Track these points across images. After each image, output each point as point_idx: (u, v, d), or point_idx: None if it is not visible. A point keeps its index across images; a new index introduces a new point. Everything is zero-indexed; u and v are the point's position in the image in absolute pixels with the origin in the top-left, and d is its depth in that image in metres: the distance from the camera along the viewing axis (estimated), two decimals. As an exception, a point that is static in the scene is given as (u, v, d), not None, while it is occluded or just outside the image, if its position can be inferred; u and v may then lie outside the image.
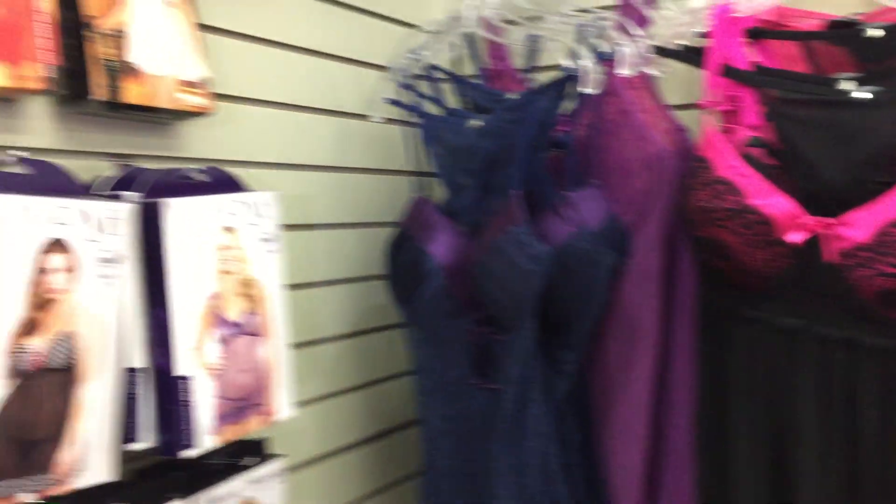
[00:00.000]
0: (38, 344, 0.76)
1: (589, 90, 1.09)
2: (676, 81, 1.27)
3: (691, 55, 1.13)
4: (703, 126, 1.11)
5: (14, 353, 0.75)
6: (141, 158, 1.04)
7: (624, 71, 1.11)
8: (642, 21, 1.19)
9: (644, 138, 1.16)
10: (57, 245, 0.77)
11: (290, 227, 1.22)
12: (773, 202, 0.93)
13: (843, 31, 1.05)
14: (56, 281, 0.77)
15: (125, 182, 0.94)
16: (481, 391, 1.17)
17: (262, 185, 1.09)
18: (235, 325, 0.97)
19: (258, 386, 1.00)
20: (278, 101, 1.27)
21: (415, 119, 1.32)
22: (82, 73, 0.92)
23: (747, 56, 1.06)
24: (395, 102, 1.33)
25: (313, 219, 1.33)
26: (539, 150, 1.16)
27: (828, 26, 1.11)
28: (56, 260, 0.77)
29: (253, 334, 0.99)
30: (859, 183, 0.90)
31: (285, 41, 1.28)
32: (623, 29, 1.16)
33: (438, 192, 1.34)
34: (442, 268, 1.21)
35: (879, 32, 1.00)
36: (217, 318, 0.95)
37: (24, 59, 0.85)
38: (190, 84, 1.03)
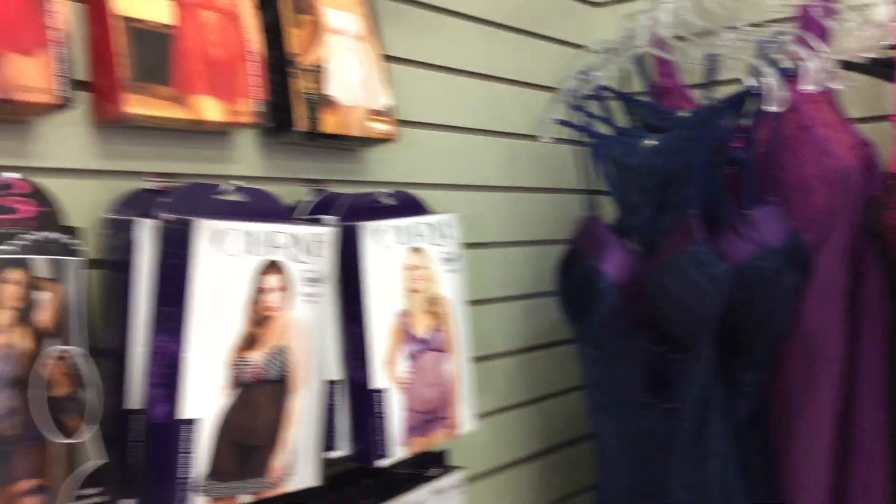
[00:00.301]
0: (256, 357, 0.83)
1: (774, 108, 1.07)
2: (859, 94, 1.22)
3: (880, 68, 1.09)
4: (894, 141, 1.07)
5: (236, 365, 0.82)
6: (333, 183, 1.11)
7: (807, 86, 1.09)
8: (823, 34, 1.16)
9: (825, 153, 1.13)
10: (273, 266, 0.84)
11: (464, 245, 1.26)
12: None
13: None
14: (272, 299, 0.84)
15: (322, 206, 1.01)
16: (657, 410, 1.17)
17: (437, 206, 1.13)
18: (423, 341, 1.02)
19: (444, 400, 1.04)
20: (452, 124, 1.32)
21: (585, 139, 1.34)
22: (286, 107, 0.99)
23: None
24: (564, 123, 1.35)
25: (485, 238, 1.36)
26: (716, 167, 1.15)
27: None
28: (272, 280, 0.84)
29: (438, 350, 1.04)
30: None
31: (457, 66, 1.33)
32: (804, 43, 1.13)
33: (608, 210, 1.35)
34: (615, 286, 1.21)
35: None
36: (406, 335, 1.00)
37: (238, 96, 0.93)
38: (378, 113, 1.09)
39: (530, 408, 1.43)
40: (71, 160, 0.84)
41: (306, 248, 0.87)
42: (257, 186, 0.97)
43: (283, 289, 0.85)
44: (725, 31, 1.28)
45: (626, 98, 1.35)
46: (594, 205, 1.34)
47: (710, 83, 1.26)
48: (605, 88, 1.34)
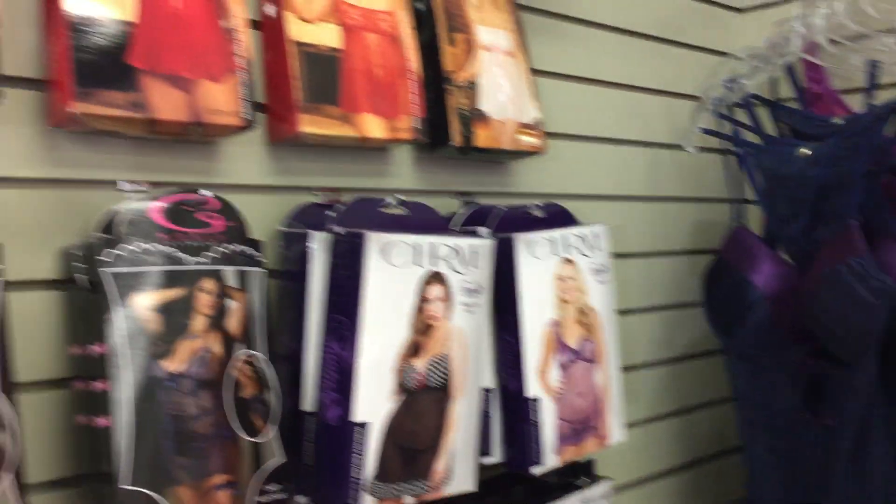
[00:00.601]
0: (420, 364, 0.87)
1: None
2: None
3: None
4: None
5: (402, 371, 0.85)
6: (482, 194, 1.14)
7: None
8: None
9: None
10: (436, 277, 0.88)
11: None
12: None
13: None
14: (435, 309, 0.87)
15: (475, 217, 1.04)
16: (813, 426, 1.14)
17: (581, 216, 1.14)
18: (574, 351, 1.03)
19: (594, 410, 1.05)
20: (595, 135, 1.33)
21: (732, 148, 1.32)
22: (441, 123, 1.03)
23: None
24: (710, 132, 1.33)
25: (627, 248, 1.36)
26: (876, 175, 1.11)
27: None
28: (435, 290, 0.88)
29: (589, 360, 1.04)
30: None
31: (601, 77, 1.34)
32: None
33: (756, 220, 1.32)
34: (766, 298, 1.19)
35: None
36: (558, 345, 1.01)
37: (399, 114, 0.97)
38: (527, 126, 1.11)
39: (677, 419, 1.41)
40: (250, 177, 0.90)
41: (466, 259, 0.90)
42: (413, 199, 1.01)
43: (444, 299, 0.88)
44: (882, 34, 1.24)
45: (775, 106, 1.32)
46: (742, 214, 1.32)
47: (868, 88, 1.21)
48: (753, 96, 1.31)
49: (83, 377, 0.73)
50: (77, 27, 0.73)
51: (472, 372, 0.92)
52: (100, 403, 0.71)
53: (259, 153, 0.92)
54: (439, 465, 0.89)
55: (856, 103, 1.32)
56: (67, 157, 0.78)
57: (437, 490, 0.90)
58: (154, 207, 0.75)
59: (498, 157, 1.14)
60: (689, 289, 1.42)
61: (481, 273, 0.93)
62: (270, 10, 0.90)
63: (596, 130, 1.33)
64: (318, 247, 0.86)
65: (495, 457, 1.00)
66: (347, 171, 0.99)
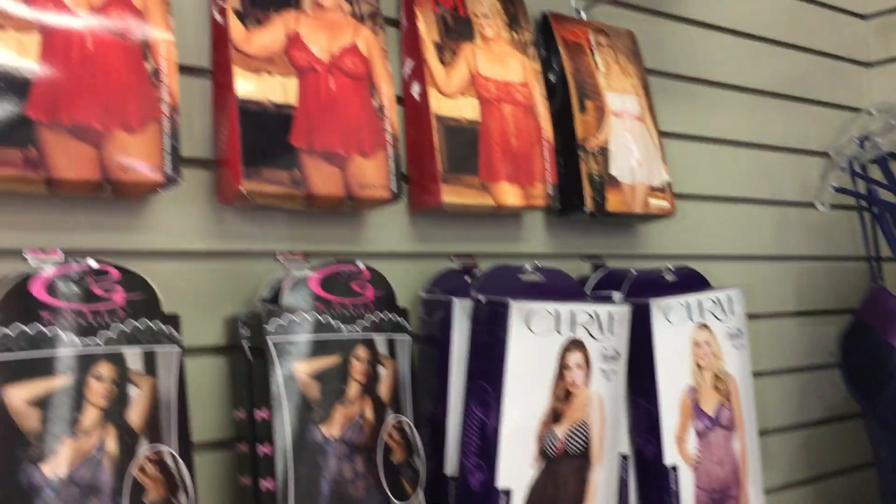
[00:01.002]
0: (560, 431, 0.88)
1: None
2: None
3: None
4: None
5: (543, 438, 0.86)
6: (610, 257, 1.14)
7: None
8: None
9: None
10: (575, 344, 0.89)
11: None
12: None
13: None
14: (575, 376, 0.88)
15: (606, 282, 1.05)
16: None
17: (710, 277, 1.13)
18: (711, 418, 1.01)
19: (733, 479, 1.02)
20: (723, 195, 1.32)
21: (866, 205, 1.28)
22: (574, 188, 1.04)
23: None
24: (843, 190, 1.31)
25: (757, 308, 1.34)
26: None
27: None
28: (575, 357, 0.89)
29: (726, 428, 1.03)
30: None
31: (726, 137, 1.33)
32: None
33: (891, 279, 1.28)
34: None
35: None
36: (695, 411, 1.00)
37: (534, 181, 0.99)
38: (657, 189, 1.12)
39: (813, 486, 1.36)
40: (392, 245, 0.94)
41: (603, 325, 0.91)
42: (543, 263, 1.03)
43: (583, 366, 0.89)
44: None
45: (911, 162, 1.29)
46: (879, 274, 1.28)
47: None
48: (889, 154, 1.28)
49: (248, 440, 0.77)
50: (246, 112, 0.79)
51: (611, 439, 0.92)
52: (264, 466, 0.74)
53: (401, 222, 0.95)
54: None
55: None
56: (233, 231, 0.83)
57: None
58: (313, 278, 0.79)
59: (628, 221, 1.14)
60: (823, 350, 1.38)
61: (618, 339, 0.93)
62: (416, 88, 0.94)
63: (724, 190, 1.32)
64: (460, 313, 0.89)
65: (632, 524, 0.99)
66: (482, 237, 1.02)
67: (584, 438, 0.89)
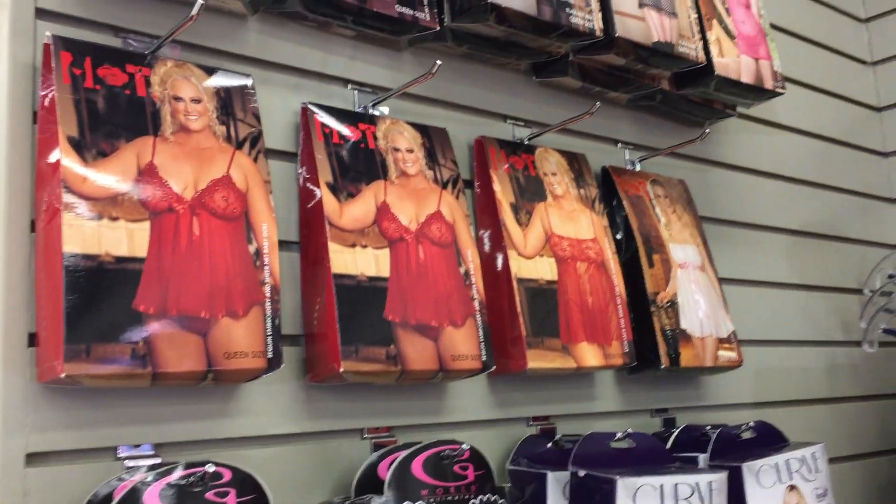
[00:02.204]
0: None
1: None
2: None
3: None
4: None
5: None
6: (677, 410, 1.11)
7: None
8: None
9: None
10: (680, 519, 0.84)
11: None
12: None
13: None
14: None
15: (684, 441, 1.01)
16: None
17: (777, 426, 1.10)
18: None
19: None
20: (774, 338, 1.30)
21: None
22: (648, 344, 1.02)
23: None
24: (892, 332, 1.30)
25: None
26: None
27: None
28: (680, 533, 0.84)
29: None
30: None
31: (774, 279, 1.33)
32: None
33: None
34: None
35: None
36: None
37: (611, 340, 0.97)
38: (724, 340, 1.10)
39: None
40: (475, 413, 0.90)
41: (703, 497, 0.87)
42: (615, 420, 1.00)
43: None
44: None
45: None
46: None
47: None
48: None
49: None
50: (342, 287, 0.76)
51: None
52: None
53: (482, 389, 0.92)
54: None
55: None
56: (321, 410, 0.79)
57: None
58: (415, 461, 0.75)
59: (700, 374, 1.12)
60: (883, 492, 1.34)
61: (717, 509, 0.89)
62: (495, 251, 0.92)
63: (774, 334, 1.31)
64: (554, 487, 0.84)
65: None
66: (556, 398, 0.98)
67: None
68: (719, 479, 0.89)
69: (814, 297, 1.40)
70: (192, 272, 0.67)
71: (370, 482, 0.76)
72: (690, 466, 0.92)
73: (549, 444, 0.93)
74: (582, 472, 0.83)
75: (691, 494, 0.85)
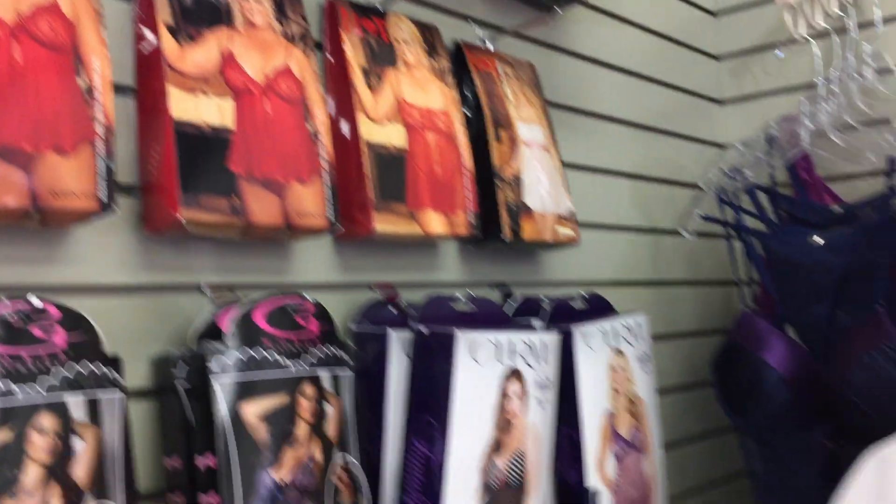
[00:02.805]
0: (501, 462, 0.87)
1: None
2: None
3: None
4: None
5: (486, 470, 0.85)
6: (516, 285, 1.15)
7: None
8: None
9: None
10: (514, 373, 0.88)
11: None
12: None
13: None
14: (514, 405, 0.88)
15: (523, 310, 1.06)
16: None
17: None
18: (626, 441, 1.04)
19: (644, 499, 1.06)
20: (606, 223, 1.37)
21: (733, 234, 1.38)
22: (492, 217, 1.05)
23: None
24: (710, 218, 1.39)
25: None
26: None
27: None
28: (514, 386, 0.88)
29: (639, 450, 1.06)
30: None
31: (612, 168, 1.39)
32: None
33: (748, 300, 1.38)
34: (784, 380, 1.23)
35: None
36: (613, 435, 1.02)
37: (456, 209, 0.99)
38: (564, 218, 1.14)
39: (692, 500, 1.43)
40: (318, 276, 0.90)
41: (538, 354, 0.92)
42: (457, 291, 1.03)
43: (521, 395, 0.89)
44: (871, 129, 1.33)
45: (775, 194, 1.40)
46: (749, 299, 1.37)
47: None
48: (756, 186, 1.39)
49: (184, 490, 0.70)
50: (182, 134, 0.73)
51: (544, 467, 0.93)
52: None
53: (328, 252, 0.92)
54: None
55: (838, 190, 1.42)
56: (159, 263, 0.76)
57: None
58: (258, 311, 0.74)
59: (535, 249, 1.16)
60: (699, 370, 1.46)
61: (550, 367, 0.94)
62: (342, 114, 0.91)
63: (607, 218, 1.37)
64: (397, 346, 0.86)
65: (554, 551, 1.00)
66: (400, 266, 1.00)
67: (521, 469, 0.89)
68: (553, 338, 0.94)
69: (647, 186, 1.47)
70: (15, 103, 0.62)
71: (210, 335, 0.75)
72: (527, 328, 0.96)
73: (393, 309, 0.94)
74: (425, 330, 0.85)
75: (527, 351, 0.90)
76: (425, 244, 1.03)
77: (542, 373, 0.92)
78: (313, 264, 0.90)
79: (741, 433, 1.34)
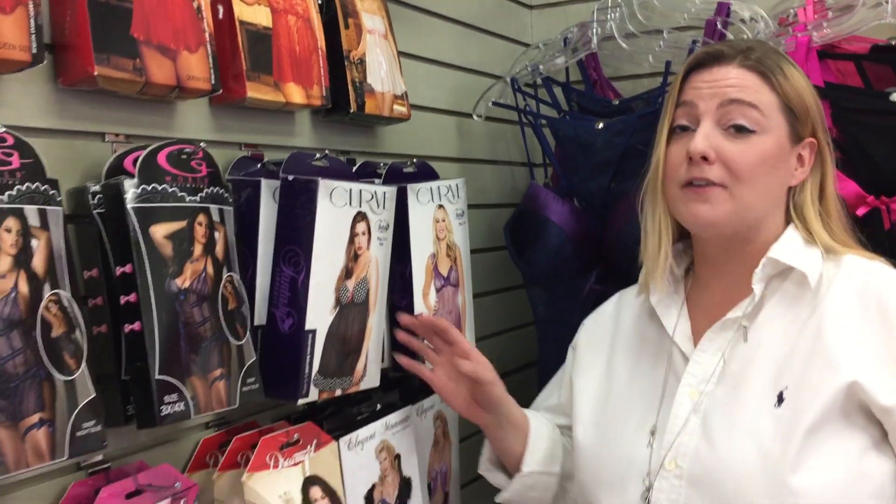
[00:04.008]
0: (350, 284, 1.10)
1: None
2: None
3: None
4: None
5: (338, 290, 1.08)
6: (357, 154, 1.37)
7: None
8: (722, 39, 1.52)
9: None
10: (361, 215, 1.11)
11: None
12: (846, 186, 1.27)
13: (887, 54, 1.39)
14: (361, 241, 1.11)
15: (364, 171, 1.28)
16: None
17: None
18: (444, 278, 1.31)
19: (457, 324, 1.33)
20: (431, 106, 1.60)
21: (524, 119, 1.65)
22: (342, 93, 1.24)
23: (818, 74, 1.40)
24: (500, 104, 1.66)
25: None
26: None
27: (872, 50, 1.45)
28: (361, 226, 1.11)
29: (454, 285, 1.33)
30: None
31: (435, 58, 1.61)
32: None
33: (540, 179, 1.67)
34: (566, 235, 1.54)
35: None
36: (435, 272, 1.28)
37: (312, 84, 1.18)
38: (398, 97, 1.36)
39: (489, 340, 1.74)
40: (198, 132, 1.07)
41: (380, 202, 1.14)
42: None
43: (366, 233, 1.12)
44: (651, 34, 1.63)
45: (567, 87, 1.68)
46: (538, 174, 1.67)
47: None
48: (552, 80, 1.66)
49: (103, 294, 0.88)
50: (92, 3, 0.87)
51: (382, 291, 1.17)
52: (128, 313, 0.87)
53: (205, 114, 1.08)
54: (360, 366, 1.14)
55: (620, 87, 1.73)
56: (71, 112, 0.91)
57: (357, 385, 1.14)
58: (160, 155, 0.91)
59: (377, 123, 1.37)
60: (496, 237, 1.74)
61: (389, 214, 1.17)
62: (224, -7, 1.07)
63: (430, 102, 1.60)
64: (267, 192, 1.06)
65: (385, 363, 1.25)
66: (263, 130, 1.18)
67: (366, 290, 1.13)
68: (391, 190, 1.17)
69: (464, 76, 1.71)
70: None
71: (119, 173, 0.91)
72: (370, 182, 1.19)
73: (259, 165, 1.13)
74: (291, 177, 1.05)
75: (371, 199, 1.12)
76: (284, 113, 1.22)
77: (382, 217, 1.16)
78: (194, 123, 1.07)
79: (529, 283, 1.65)
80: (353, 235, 1.10)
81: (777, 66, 1.09)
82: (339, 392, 1.11)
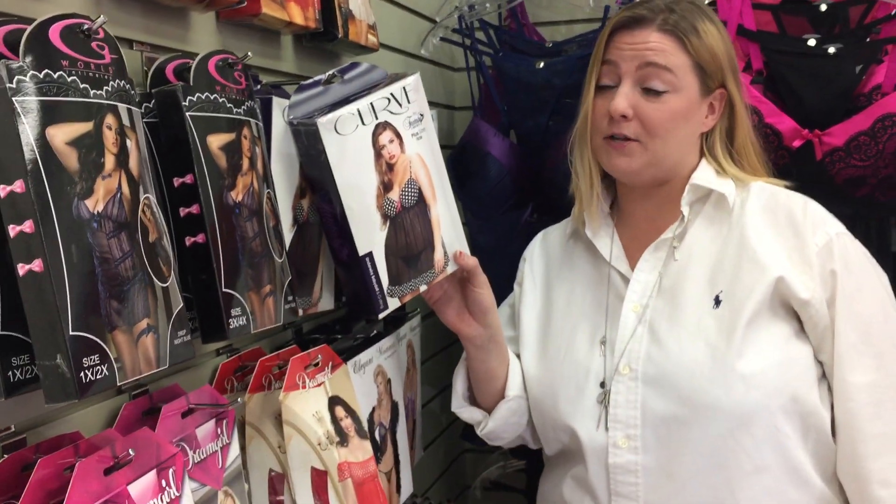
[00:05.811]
0: (394, 196, 1.10)
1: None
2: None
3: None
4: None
5: (382, 206, 1.09)
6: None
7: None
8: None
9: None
10: (382, 126, 1.09)
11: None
12: (782, 121, 1.41)
13: (802, 5, 1.55)
14: (392, 149, 1.10)
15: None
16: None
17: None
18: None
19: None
20: (390, 45, 1.60)
21: (470, 60, 1.70)
22: (330, 18, 1.23)
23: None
24: (446, 40, 1.71)
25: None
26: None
27: (784, 1, 1.61)
28: (385, 136, 1.09)
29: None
30: (832, 108, 1.41)
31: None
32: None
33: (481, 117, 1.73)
34: (504, 168, 1.61)
35: (824, 7, 1.52)
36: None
37: (309, 7, 1.16)
38: (371, 28, 1.36)
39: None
40: (206, 47, 1.03)
41: (399, 100, 1.12)
42: (292, 80, 1.20)
43: (395, 139, 1.11)
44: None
45: (500, 29, 1.74)
46: (478, 112, 1.72)
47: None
48: (487, 23, 1.71)
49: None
50: None
51: (438, 181, 1.18)
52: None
53: (212, 28, 1.04)
54: (437, 255, 1.17)
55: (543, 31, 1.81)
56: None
57: (443, 272, 1.18)
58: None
59: (353, 51, 1.36)
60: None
61: (417, 104, 1.15)
62: None
63: (391, 42, 1.60)
64: (277, 110, 1.04)
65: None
66: (254, 51, 1.14)
67: (415, 190, 1.13)
68: (410, 80, 1.16)
69: (407, 17, 1.72)
70: None
71: (161, 83, 0.87)
72: (378, 87, 1.15)
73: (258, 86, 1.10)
74: (293, 121, 1.05)
75: (388, 103, 1.11)
76: (272, 35, 1.18)
77: (410, 112, 1.14)
78: (203, 37, 1.02)
79: (470, 213, 1.70)
80: (378, 150, 1.09)
81: (692, 26, 1.20)
82: (423, 287, 1.15)
